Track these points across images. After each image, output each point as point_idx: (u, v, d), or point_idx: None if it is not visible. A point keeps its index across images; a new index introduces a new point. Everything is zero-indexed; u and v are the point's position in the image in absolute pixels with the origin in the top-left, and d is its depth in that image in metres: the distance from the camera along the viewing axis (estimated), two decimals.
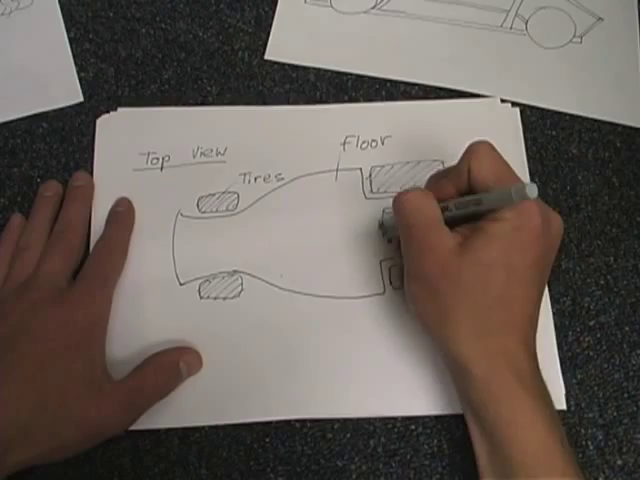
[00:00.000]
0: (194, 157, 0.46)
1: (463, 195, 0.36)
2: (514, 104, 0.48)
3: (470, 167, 0.35)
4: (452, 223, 0.36)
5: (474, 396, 0.35)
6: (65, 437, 0.36)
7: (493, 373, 0.34)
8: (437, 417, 0.40)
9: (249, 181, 0.45)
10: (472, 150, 0.36)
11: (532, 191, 0.31)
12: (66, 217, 0.43)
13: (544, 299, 0.42)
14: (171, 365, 0.40)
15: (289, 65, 0.50)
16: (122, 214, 0.44)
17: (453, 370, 0.36)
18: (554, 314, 0.43)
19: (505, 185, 0.34)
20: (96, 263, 0.42)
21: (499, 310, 0.34)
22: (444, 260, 0.34)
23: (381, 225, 0.43)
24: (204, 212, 0.45)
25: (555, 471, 0.33)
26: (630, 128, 0.48)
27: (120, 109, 0.48)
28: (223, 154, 0.46)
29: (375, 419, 0.40)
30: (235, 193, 0.45)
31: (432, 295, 0.35)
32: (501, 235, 0.34)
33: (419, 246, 0.35)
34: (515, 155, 0.46)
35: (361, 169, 0.46)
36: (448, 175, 0.37)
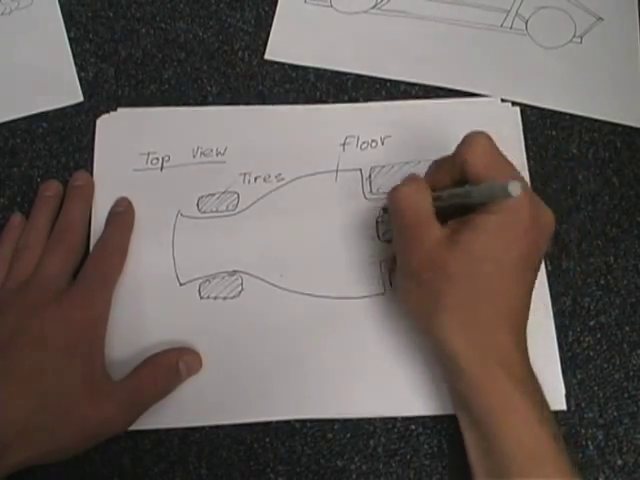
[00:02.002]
0: (194, 157, 0.46)
1: (458, 185, 0.37)
2: (514, 104, 0.48)
3: (465, 158, 0.35)
4: (444, 215, 0.36)
5: (462, 388, 0.35)
6: (64, 437, 0.36)
7: (481, 365, 0.34)
8: (437, 417, 0.40)
9: (249, 181, 0.45)
10: (468, 141, 0.36)
11: (515, 190, 0.31)
12: (66, 217, 0.43)
13: (544, 299, 0.43)
14: (170, 365, 0.40)
15: (289, 65, 0.50)
16: (122, 214, 0.44)
17: (441, 362, 0.37)
18: (554, 314, 0.43)
19: (499, 177, 0.34)
20: (96, 263, 0.42)
21: (487, 303, 0.34)
22: (433, 253, 0.35)
23: (380, 222, 0.44)
24: (204, 212, 0.45)
25: (547, 463, 0.33)
26: (630, 128, 0.48)
27: (120, 109, 0.48)
28: (223, 154, 0.46)
29: (375, 419, 0.40)
30: (235, 193, 0.45)
31: (420, 287, 0.35)
32: (489, 228, 0.34)
33: (408, 238, 0.36)
34: (515, 155, 0.46)
35: (361, 169, 0.46)
36: (444, 164, 0.38)
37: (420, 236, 0.35)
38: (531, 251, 0.35)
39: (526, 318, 0.36)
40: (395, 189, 0.37)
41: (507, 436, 0.33)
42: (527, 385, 0.34)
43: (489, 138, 0.36)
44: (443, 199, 0.36)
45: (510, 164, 0.36)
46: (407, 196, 0.36)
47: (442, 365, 0.37)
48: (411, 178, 0.38)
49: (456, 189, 0.36)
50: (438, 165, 0.39)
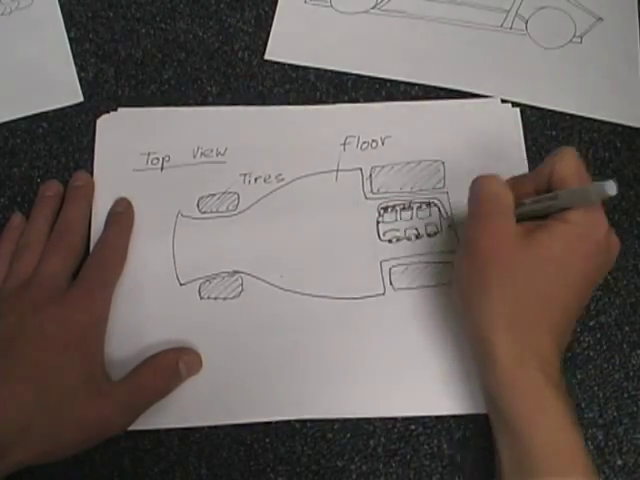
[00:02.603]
0: (194, 157, 0.46)
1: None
2: (514, 104, 0.48)
3: (554, 168, 0.36)
4: (522, 220, 0.37)
5: (496, 385, 0.35)
6: (64, 437, 0.36)
7: (520, 365, 0.34)
8: (437, 417, 0.40)
9: (249, 181, 0.45)
10: (559, 152, 0.37)
11: (612, 188, 0.32)
12: (66, 217, 0.43)
13: None
14: (170, 365, 0.40)
15: (289, 65, 0.50)
16: (121, 215, 0.44)
17: (477, 354, 0.37)
18: None
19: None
20: (96, 264, 0.42)
21: (540, 305, 0.35)
22: (503, 243, 0.35)
23: (380, 222, 0.44)
24: (204, 212, 0.45)
25: (576, 467, 0.33)
26: (630, 128, 0.48)
27: (120, 109, 0.48)
28: (223, 154, 0.46)
29: (375, 419, 0.40)
30: (235, 193, 0.45)
31: (480, 274, 0.36)
32: (565, 236, 0.35)
33: (482, 222, 0.36)
34: (515, 155, 0.46)
35: (361, 169, 0.46)
36: (529, 176, 0.39)
37: (495, 225, 0.36)
38: (595, 270, 0.36)
39: (569, 333, 0.37)
40: (480, 176, 0.37)
41: (538, 437, 0.33)
42: (561, 389, 0.34)
43: (577, 155, 0.37)
44: (526, 205, 0.37)
45: (592, 181, 0.37)
46: (491, 184, 0.37)
47: (477, 357, 0.37)
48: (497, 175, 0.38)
49: (542, 195, 0.37)
50: (520, 177, 0.39)
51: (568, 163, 0.36)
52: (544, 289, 0.35)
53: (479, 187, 0.37)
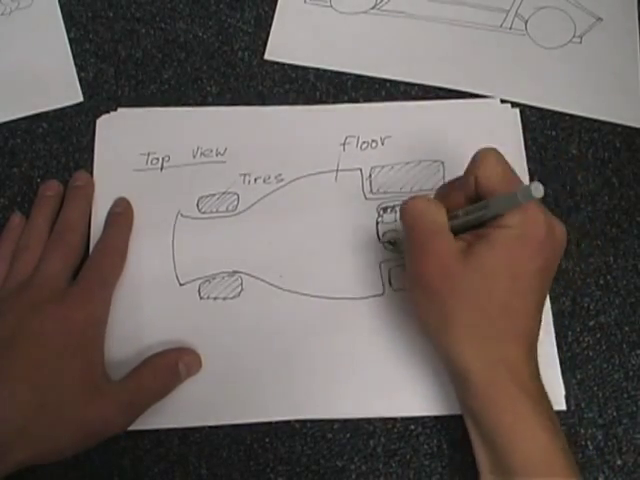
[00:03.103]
0: (194, 157, 0.46)
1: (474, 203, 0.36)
2: (514, 104, 0.48)
3: (477, 175, 0.35)
4: (460, 232, 0.36)
5: (474, 403, 0.34)
6: (63, 437, 0.36)
7: (493, 381, 0.34)
8: (437, 417, 0.41)
9: (249, 182, 0.45)
10: (478, 158, 0.36)
11: (538, 190, 0.31)
12: (66, 217, 0.43)
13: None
14: (169, 366, 0.40)
15: (289, 65, 0.50)
16: (120, 215, 0.44)
17: (453, 376, 0.36)
18: (554, 314, 0.43)
19: (512, 190, 0.33)
20: (95, 264, 0.42)
21: (501, 318, 0.34)
22: (446, 265, 0.34)
23: (380, 222, 0.44)
24: (204, 212, 0.45)
25: (556, 478, 0.32)
26: (630, 128, 0.48)
27: (120, 109, 0.48)
28: (223, 154, 0.46)
29: (375, 419, 0.41)
30: (235, 194, 0.45)
31: (433, 300, 0.35)
32: (505, 242, 0.34)
33: (422, 251, 0.35)
34: (515, 155, 0.46)
35: (361, 169, 0.46)
36: (456, 185, 0.37)
37: (433, 248, 0.35)
38: (545, 266, 0.35)
39: (537, 333, 0.36)
40: (408, 201, 0.36)
41: (517, 451, 0.33)
42: (538, 400, 0.34)
43: (498, 153, 0.36)
44: (459, 217, 0.36)
45: (519, 178, 0.36)
46: (420, 207, 0.36)
47: (453, 379, 0.36)
48: (421, 195, 0.37)
49: (473, 205, 0.36)
50: (450, 186, 0.38)
51: (489, 168, 0.35)
52: (499, 299, 0.34)
53: (408, 213, 0.36)
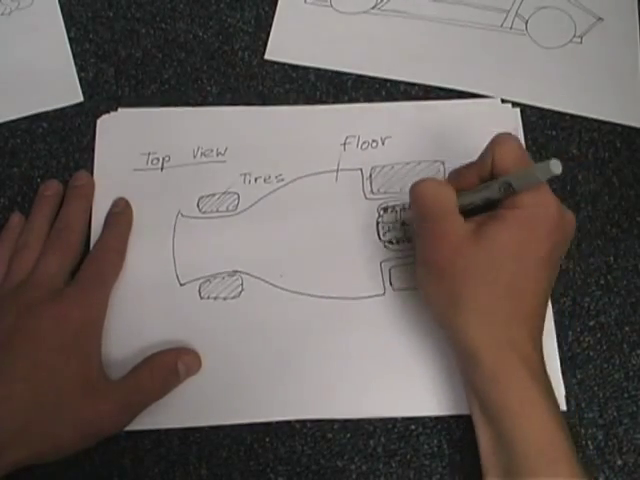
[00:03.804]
0: (194, 157, 0.46)
1: None
2: (514, 104, 0.48)
3: (494, 156, 0.36)
4: (472, 214, 0.36)
5: (480, 384, 0.35)
6: (61, 436, 0.36)
7: (501, 362, 0.34)
8: (437, 417, 0.40)
9: (249, 181, 0.45)
10: (497, 140, 0.36)
11: (556, 167, 0.31)
12: (65, 216, 0.43)
13: None
14: (169, 365, 0.40)
15: (289, 65, 0.50)
16: (119, 215, 0.44)
17: (460, 357, 0.36)
18: (554, 314, 0.43)
19: None
20: (93, 264, 0.42)
21: (508, 300, 0.34)
22: (456, 246, 0.35)
23: (380, 222, 0.44)
24: (204, 212, 0.45)
25: (560, 462, 0.33)
26: (630, 128, 0.48)
27: (121, 109, 0.48)
28: (223, 154, 0.46)
29: (375, 419, 0.40)
30: (235, 194, 0.45)
31: (442, 281, 0.35)
32: (516, 222, 0.34)
33: (432, 232, 0.36)
34: None
35: (361, 169, 0.46)
36: (471, 167, 0.38)
37: (443, 229, 0.35)
38: (554, 250, 0.35)
39: (543, 318, 0.36)
40: (417, 182, 0.37)
41: (522, 432, 0.33)
42: (544, 384, 0.34)
43: (516, 137, 0.36)
44: (469, 196, 0.36)
45: (534, 163, 0.36)
46: (430, 188, 0.36)
47: (459, 358, 0.37)
48: (431, 177, 0.38)
49: (484, 184, 0.36)
50: (464, 169, 0.39)
51: (507, 149, 0.36)
52: (507, 282, 0.34)
53: (417, 194, 0.37)
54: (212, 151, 0.46)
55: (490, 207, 0.36)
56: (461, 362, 0.37)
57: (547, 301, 0.36)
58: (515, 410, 0.33)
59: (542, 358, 0.35)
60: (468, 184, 0.37)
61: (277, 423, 0.40)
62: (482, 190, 0.36)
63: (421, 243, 0.37)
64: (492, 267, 0.34)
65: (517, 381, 0.33)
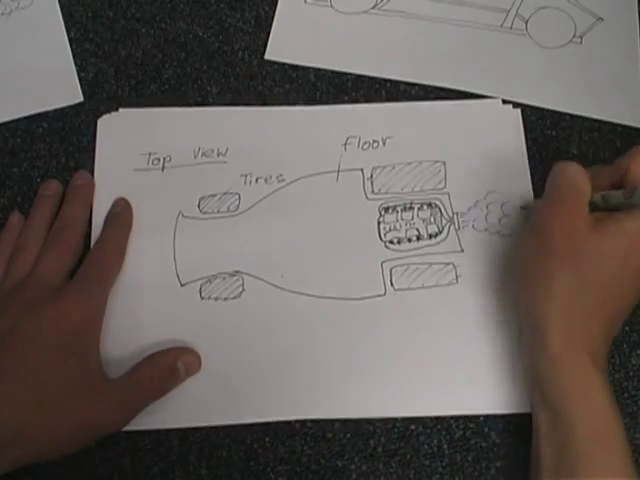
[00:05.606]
0: (195, 157, 0.46)
1: None
2: (514, 104, 0.48)
3: (630, 166, 0.37)
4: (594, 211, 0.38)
5: (542, 365, 0.36)
6: (61, 435, 0.36)
7: (570, 348, 0.35)
8: (437, 417, 0.40)
9: (250, 182, 0.45)
10: (634, 152, 0.38)
11: None
12: (65, 216, 0.43)
13: None
14: (168, 365, 0.40)
15: (289, 65, 0.50)
16: (119, 215, 0.44)
17: (528, 332, 0.38)
18: None
19: None
20: (92, 264, 0.41)
21: (597, 298, 0.36)
22: (574, 227, 0.36)
23: (381, 222, 0.44)
24: (205, 213, 0.45)
25: (616, 453, 0.34)
26: (630, 128, 0.48)
27: (121, 109, 0.48)
28: (224, 155, 0.46)
29: (375, 419, 0.41)
30: (236, 194, 0.45)
31: (545, 257, 0.37)
32: (631, 231, 0.36)
33: (559, 210, 0.37)
34: (516, 156, 0.46)
35: (362, 170, 0.46)
36: (605, 169, 0.39)
37: (569, 208, 0.37)
38: None
39: (619, 327, 0.38)
40: (561, 162, 0.39)
41: (582, 420, 0.34)
42: (607, 379, 0.35)
43: None
44: (600, 197, 0.38)
45: None
46: (572, 171, 0.38)
47: (527, 335, 0.38)
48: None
49: (618, 190, 0.37)
50: (598, 169, 0.40)
51: None
52: (604, 281, 0.36)
53: (559, 172, 0.38)
54: (213, 151, 0.46)
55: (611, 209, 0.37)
56: (526, 335, 0.38)
57: (627, 313, 0.37)
58: (577, 396, 0.34)
59: (606, 361, 0.37)
60: (598, 184, 0.39)
61: (277, 423, 0.40)
62: (612, 197, 0.37)
63: (546, 212, 0.38)
64: (596, 264, 0.36)
65: (582, 369, 0.35)
